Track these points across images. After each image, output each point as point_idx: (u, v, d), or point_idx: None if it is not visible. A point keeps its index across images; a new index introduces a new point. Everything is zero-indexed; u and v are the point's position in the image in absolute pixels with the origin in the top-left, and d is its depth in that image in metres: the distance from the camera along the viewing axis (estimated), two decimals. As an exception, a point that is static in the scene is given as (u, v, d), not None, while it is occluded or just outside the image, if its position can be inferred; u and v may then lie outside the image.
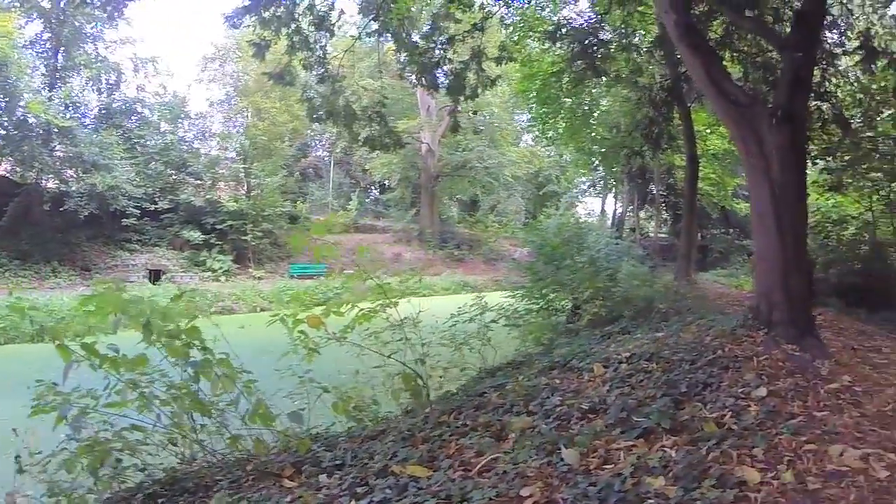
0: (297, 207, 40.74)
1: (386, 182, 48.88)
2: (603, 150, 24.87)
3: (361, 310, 6.71)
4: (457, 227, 44.80)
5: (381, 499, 3.99)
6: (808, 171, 20.72)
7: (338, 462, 5.06)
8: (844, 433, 4.76)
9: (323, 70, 15.65)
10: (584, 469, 4.11)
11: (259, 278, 34.92)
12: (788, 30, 10.26)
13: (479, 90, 16.26)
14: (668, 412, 4.92)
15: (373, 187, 54.77)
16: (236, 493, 4.61)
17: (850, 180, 17.80)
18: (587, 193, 46.95)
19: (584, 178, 38.32)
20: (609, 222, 42.32)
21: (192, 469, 5.28)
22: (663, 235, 38.34)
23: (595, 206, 50.66)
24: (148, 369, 5.17)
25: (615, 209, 43.96)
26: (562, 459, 4.21)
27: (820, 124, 15.59)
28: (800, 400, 5.43)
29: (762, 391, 5.46)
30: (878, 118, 15.80)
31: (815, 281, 17.84)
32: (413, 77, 16.21)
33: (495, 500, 3.74)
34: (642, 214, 41.93)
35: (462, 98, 16.45)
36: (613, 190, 42.77)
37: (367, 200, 51.88)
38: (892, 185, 16.51)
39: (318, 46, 15.17)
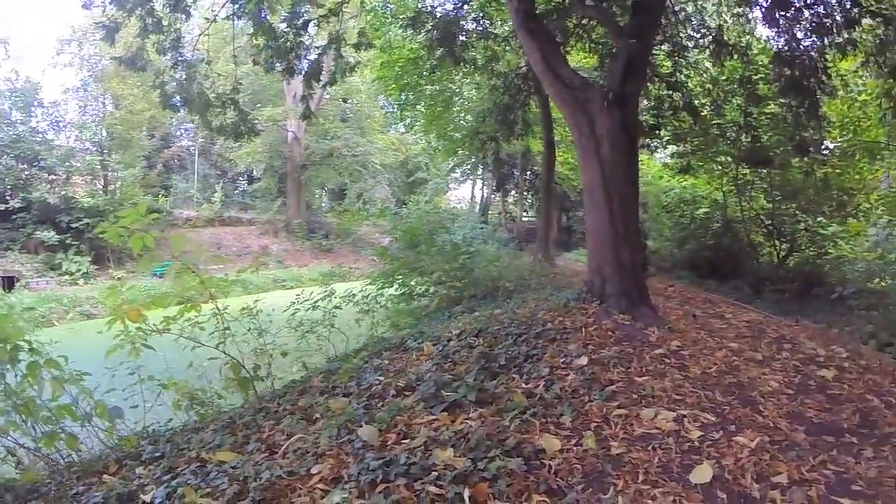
0: (160, 202, 38.64)
1: (253, 172, 47.28)
2: (462, 136, 24.82)
3: (185, 302, 6.65)
4: (325, 217, 43.87)
5: (182, 482, 3.89)
6: (660, 155, 21.98)
7: (157, 454, 5.01)
8: (662, 396, 4.94)
9: (178, 54, 14.77)
10: (381, 445, 4.07)
11: (120, 280, 32.93)
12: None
13: (338, 76, 15.80)
14: (477, 385, 4.95)
15: (240, 178, 52.66)
16: (59, 492, 4.46)
17: (700, 164, 18.70)
18: (456, 180, 47.05)
19: (451, 165, 38.09)
20: (477, 208, 42.86)
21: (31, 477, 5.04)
22: (530, 219, 39.02)
23: (466, 192, 51.16)
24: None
25: (482, 195, 44.46)
26: (359, 437, 4.14)
27: (672, 112, 16.41)
28: (622, 367, 5.59)
29: (583, 360, 5.59)
30: (726, 106, 16.48)
31: (673, 256, 18.86)
32: (267, 62, 15.50)
33: (286, 477, 3.69)
34: (510, 199, 42.54)
35: (319, 84, 15.95)
36: (480, 176, 43.16)
37: (235, 192, 49.82)
38: (739, 168, 17.30)
39: (172, 29, 14.25)
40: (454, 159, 32.68)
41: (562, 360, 5.65)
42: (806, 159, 14.62)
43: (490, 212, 42.12)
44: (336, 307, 10.39)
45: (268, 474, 3.68)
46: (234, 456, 4.27)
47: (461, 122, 25.98)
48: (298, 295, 10.77)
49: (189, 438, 5.35)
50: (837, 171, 16.35)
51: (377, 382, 5.67)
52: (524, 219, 39.03)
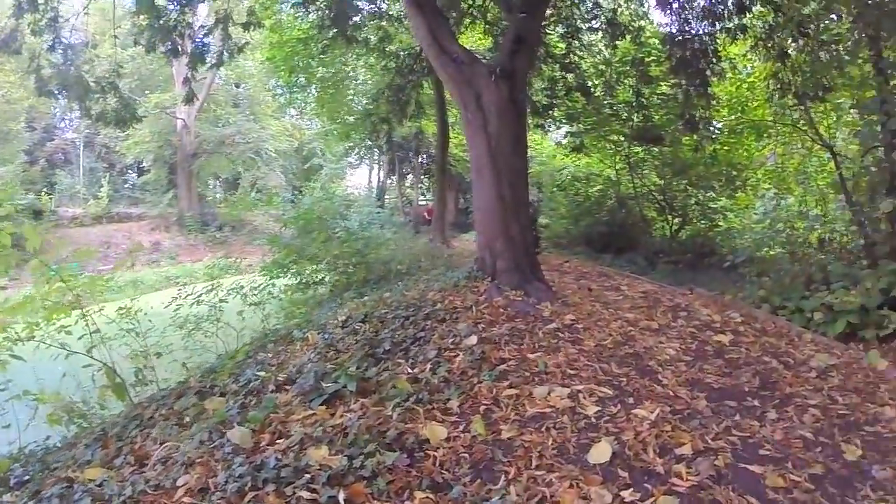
0: (42, 200, 36.07)
1: (143, 164, 44.70)
2: (355, 119, 24.15)
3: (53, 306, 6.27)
4: (219, 208, 41.86)
5: (43, 508, 3.41)
6: (555, 135, 22.09)
7: (26, 477, 4.54)
8: (556, 372, 4.64)
9: (55, 35, 13.56)
10: (254, 447, 3.61)
11: (2, 288, 30.41)
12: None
13: (226, 58, 14.94)
14: (359, 374, 4.52)
15: (129, 171, 49.74)
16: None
17: (593, 143, 18.91)
18: (351, 165, 45.95)
19: (345, 149, 37.10)
20: (375, 193, 42.11)
21: None
22: (427, 202, 38.65)
23: (365, 177, 50.12)
24: None
25: (379, 179, 43.70)
26: (229, 440, 3.69)
27: (565, 92, 16.53)
28: (514, 344, 5.26)
29: (473, 339, 5.22)
30: (618, 87, 16.69)
31: (569, 233, 19.00)
32: (149, 42, 14.46)
33: (150, 492, 3.23)
34: (407, 183, 42.05)
35: (206, 67, 15.05)
36: (376, 160, 42.40)
37: (124, 186, 47.06)
38: (631, 146, 17.52)
39: (49, 7, 13.03)
40: (348, 143, 31.83)
41: (451, 341, 5.27)
42: (696, 137, 14.83)
43: (388, 196, 41.43)
44: (222, 301, 9.86)
45: (131, 490, 3.24)
46: (102, 472, 3.78)
47: (355, 104, 25.27)
48: (180, 290, 10.17)
49: (61, 456, 4.87)
50: (726, 147, 16.86)
51: (256, 378, 5.18)
52: (421, 202, 38.60)
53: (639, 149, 17.64)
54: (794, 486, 3.20)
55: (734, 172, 16.91)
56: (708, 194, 17.15)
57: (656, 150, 17.11)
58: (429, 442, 3.54)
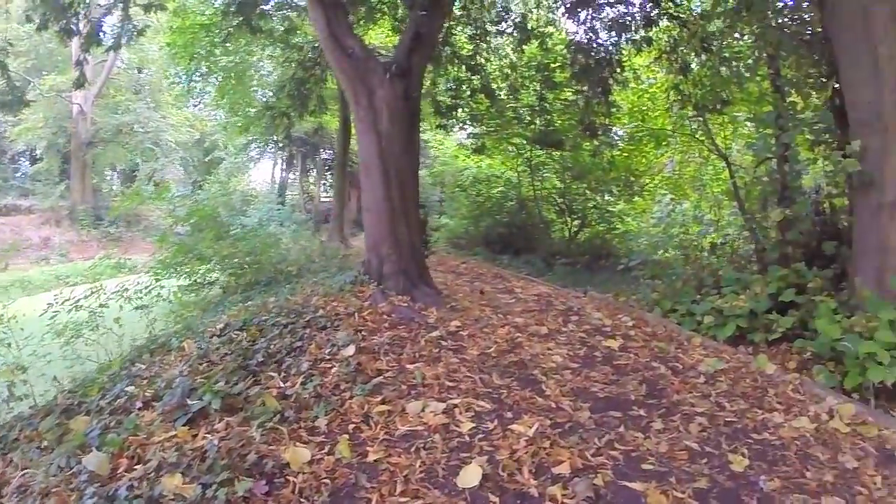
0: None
1: (36, 152, 41.65)
2: (255, 111, 23.26)
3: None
4: (114, 202, 39.53)
5: None
6: (462, 136, 21.93)
7: None
8: (433, 385, 4.38)
9: None
10: (112, 474, 3.29)
11: None
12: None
13: (124, 41, 14.07)
14: (225, 390, 4.14)
15: (22, 159, 46.28)
16: None
17: (496, 145, 18.84)
18: (253, 160, 44.10)
19: (244, 143, 35.52)
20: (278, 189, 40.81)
21: None
22: (329, 199, 37.79)
23: (268, 172, 48.50)
24: None
25: (281, 175, 42.40)
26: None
27: (470, 93, 16.30)
28: (393, 354, 4.98)
29: (351, 350, 4.89)
30: (523, 91, 16.70)
31: (469, 234, 18.89)
32: (42, 20, 13.44)
33: None
34: (311, 179, 40.97)
35: (102, 49, 14.14)
36: (278, 154, 41.04)
37: (16, 175, 43.84)
38: (532, 149, 17.52)
39: None
40: (247, 136, 30.58)
41: (328, 352, 4.94)
42: (596, 142, 15.00)
43: (291, 192, 40.20)
44: (103, 306, 9.11)
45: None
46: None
47: (258, 97, 24.36)
48: (56, 295, 9.34)
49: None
50: (625, 154, 17.09)
51: (124, 394, 4.72)
52: (324, 199, 37.68)
53: (540, 152, 17.65)
54: (681, 502, 3.06)
55: (632, 178, 17.17)
56: (606, 198, 17.37)
57: (557, 154, 17.17)
58: (290, 466, 3.25)
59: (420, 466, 3.25)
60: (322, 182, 38.73)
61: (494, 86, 16.33)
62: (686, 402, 4.50)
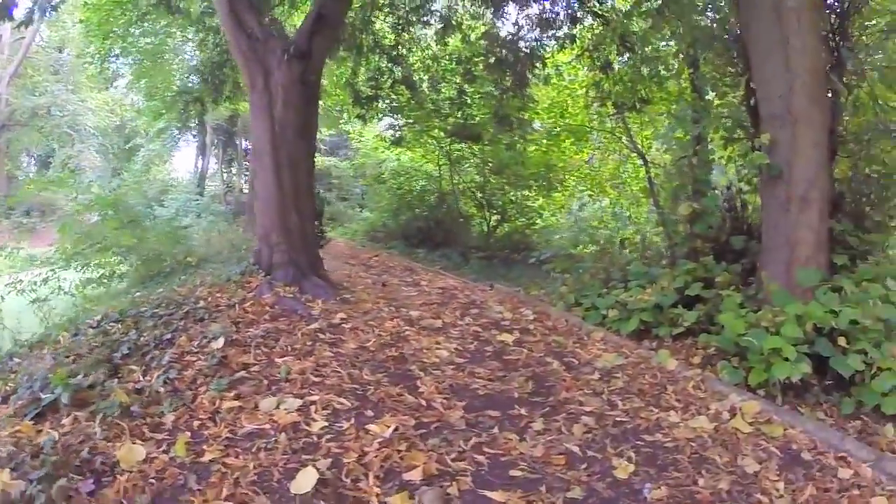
0: None
1: None
2: (171, 96, 22.19)
3: None
4: (26, 189, 37.43)
5: None
6: (379, 125, 21.55)
7: None
8: (297, 380, 4.07)
9: None
10: None
11: None
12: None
13: (36, 15, 13.23)
14: (74, 384, 3.81)
15: None
16: None
17: (417, 137, 18.54)
18: (168, 147, 42.11)
19: (166, 130, 33.81)
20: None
21: None
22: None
23: (192, 162, 46.74)
24: None
25: (202, 164, 40.87)
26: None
27: (391, 84, 15.87)
28: (265, 347, 4.64)
29: (220, 342, 4.53)
30: (444, 84, 16.34)
31: (387, 227, 18.57)
32: None
33: None
34: (233, 169, 39.67)
35: (14, 24, 13.26)
36: (196, 142, 39.46)
37: None
38: (452, 143, 17.32)
39: None
40: (164, 123, 29.22)
41: (196, 344, 4.58)
42: (516, 137, 14.93)
43: (215, 183, 38.77)
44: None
45: None
46: None
47: (178, 81, 23.27)
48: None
49: None
50: (543, 150, 16.96)
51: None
52: (246, 190, 36.59)
53: (460, 146, 17.45)
54: None
55: (550, 173, 17.10)
56: (524, 193, 17.25)
57: (477, 147, 17.00)
58: (119, 465, 2.95)
59: (255, 468, 2.94)
60: (244, 172, 37.59)
61: (416, 77, 16.08)
62: (574, 400, 4.23)
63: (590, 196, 16.08)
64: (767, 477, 3.36)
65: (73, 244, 12.22)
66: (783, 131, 5.80)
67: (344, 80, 16.43)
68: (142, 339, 4.83)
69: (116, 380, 4.02)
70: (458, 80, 15.87)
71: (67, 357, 4.74)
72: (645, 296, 7.00)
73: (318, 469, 2.86)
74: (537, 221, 17.47)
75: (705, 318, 6.14)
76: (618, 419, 3.96)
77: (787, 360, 4.65)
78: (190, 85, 19.41)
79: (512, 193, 17.21)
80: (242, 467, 2.93)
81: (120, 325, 5.39)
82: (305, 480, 2.73)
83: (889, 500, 3.17)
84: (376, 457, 3.01)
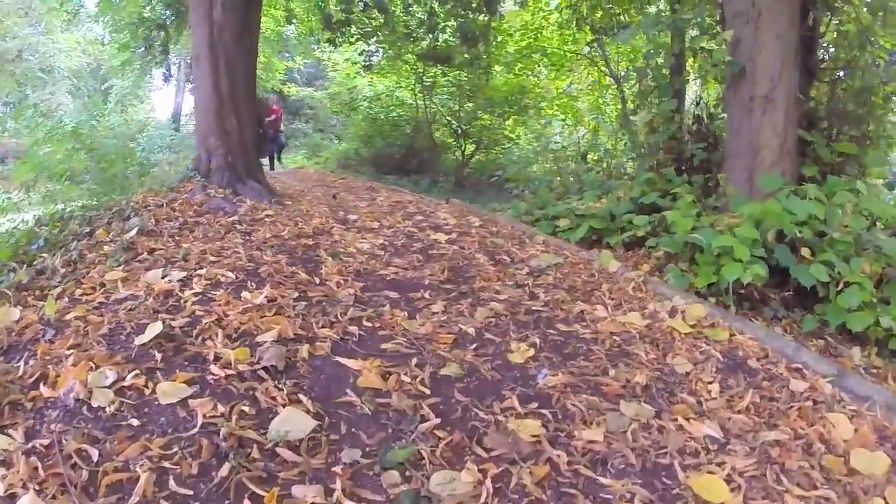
0: None
1: None
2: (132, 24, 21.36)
3: None
4: (1, 136, 36.75)
5: None
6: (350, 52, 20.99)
7: None
8: (193, 259, 3.93)
9: None
10: None
11: None
12: None
13: None
14: None
15: None
16: None
17: (390, 64, 18.12)
18: (147, 81, 40.77)
19: (132, 63, 32.66)
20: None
21: None
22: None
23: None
24: None
25: (177, 100, 39.86)
26: None
27: (362, 8, 15.58)
28: (178, 236, 4.52)
29: (132, 233, 4.43)
30: (416, 7, 15.93)
31: (359, 154, 18.32)
32: None
33: None
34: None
35: None
36: (175, 78, 38.42)
37: None
38: (426, 69, 16.93)
39: None
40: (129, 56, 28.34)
41: (113, 236, 4.46)
42: (483, 55, 14.72)
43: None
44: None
45: None
46: None
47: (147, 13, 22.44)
48: None
49: None
50: (516, 72, 16.53)
51: None
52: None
53: (433, 71, 17.03)
54: (401, 387, 2.62)
55: (525, 98, 16.73)
56: (498, 120, 16.97)
57: (452, 73, 16.62)
58: None
59: (110, 324, 2.85)
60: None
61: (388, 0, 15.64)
62: (491, 289, 4.04)
63: (567, 126, 15.69)
64: (701, 378, 3.11)
65: (20, 173, 12.02)
66: (746, 28, 5.59)
67: (314, 2, 16.00)
68: (63, 234, 4.79)
69: (25, 265, 3.99)
70: (428, 1, 15.45)
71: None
72: (598, 203, 6.82)
73: (170, 325, 2.78)
74: (513, 150, 17.09)
75: (659, 226, 5.77)
76: (533, 308, 3.74)
77: (739, 261, 4.28)
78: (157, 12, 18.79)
79: (485, 119, 16.85)
80: (98, 323, 2.86)
81: (47, 227, 5.29)
82: (149, 332, 2.65)
83: (851, 421, 2.86)
84: (237, 320, 2.91)
